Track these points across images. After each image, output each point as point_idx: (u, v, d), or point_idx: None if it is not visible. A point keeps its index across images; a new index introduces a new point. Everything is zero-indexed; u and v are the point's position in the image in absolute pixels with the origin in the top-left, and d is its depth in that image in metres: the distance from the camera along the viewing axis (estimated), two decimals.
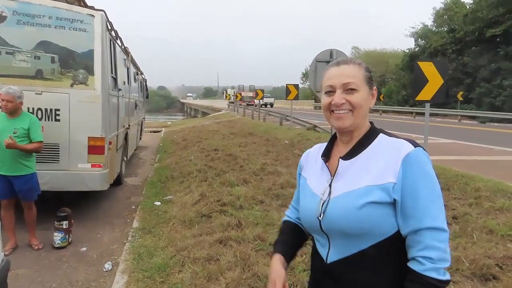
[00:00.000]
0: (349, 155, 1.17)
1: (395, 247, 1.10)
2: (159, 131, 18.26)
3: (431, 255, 1.03)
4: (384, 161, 1.10)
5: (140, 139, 12.08)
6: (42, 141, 4.02)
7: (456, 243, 3.39)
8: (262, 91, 20.75)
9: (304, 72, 59.65)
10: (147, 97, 13.83)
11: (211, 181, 6.28)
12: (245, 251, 3.35)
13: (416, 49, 33.95)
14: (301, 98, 43.24)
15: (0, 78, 4.55)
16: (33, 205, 4.13)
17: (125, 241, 4.36)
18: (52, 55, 4.69)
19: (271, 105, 39.66)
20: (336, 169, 1.18)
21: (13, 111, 3.90)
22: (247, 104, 31.26)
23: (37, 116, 4.56)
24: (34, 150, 3.98)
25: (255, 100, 26.97)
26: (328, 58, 6.65)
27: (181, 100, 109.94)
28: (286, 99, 15.74)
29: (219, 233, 3.93)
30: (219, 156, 8.53)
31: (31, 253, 4.06)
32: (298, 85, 15.83)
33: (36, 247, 4.14)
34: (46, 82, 4.69)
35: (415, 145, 1.10)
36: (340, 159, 1.18)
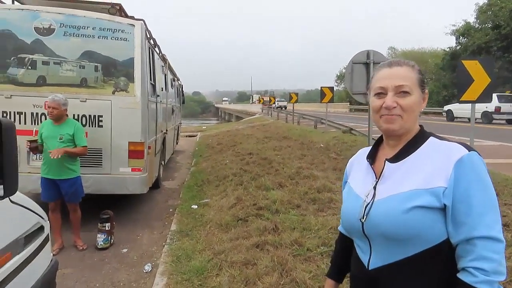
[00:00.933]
0: (396, 158, 1.12)
1: (443, 256, 1.03)
2: (194, 136, 18.63)
3: (484, 267, 0.95)
4: (434, 165, 1.03)
5: (177, 143, 12.37)
6: (86, 146, 4.22)
7: (508, 253, 3.16)
8: (296, 94, 20.65)
9: (339, 74, 58.66)
10: (183, 102, 14.17)
11: (247, 185, 6.30)
12: (282, 256, 3.31)
13: (458, 47, 32.41)
14: (336, 100, 42.53)
15: (48, 87, 4.82)
16: (78, 207, 4.33)
17: (163, 244, 4.45)
18: (96, 64, 4.92)
19: (285, 107, 39.77)
20: (382, 172, 1.13)
21: (59, 117, 4.13)
22: (268, 107, 34.08)
23: (81, 122, 4.79)
24: (80, 154, 4.20)
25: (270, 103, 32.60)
26: (365, 60, 6.47)
27: (216, 105, 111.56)
28: (320, 102, 15.53)
29: (255, 237, 3.91)
30: (254, 160, 8.55)
31: (76, 254, 4.24)
32: (333, 87, 15.60)
33: (81, 248, 4.33)
34: (90, 90, 4.92)
35: (469, 148, 1.03)
36: (386, 161, 1.13)
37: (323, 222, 4.19)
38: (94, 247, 4.37)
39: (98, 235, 4.37)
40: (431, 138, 1.12)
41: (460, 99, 5.48)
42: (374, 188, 1.12)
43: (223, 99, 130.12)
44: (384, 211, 1.06)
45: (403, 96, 1.09)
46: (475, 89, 5.31)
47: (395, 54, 48.74)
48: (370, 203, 1.10)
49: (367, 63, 6.47)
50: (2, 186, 1.31)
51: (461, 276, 0.99)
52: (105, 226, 4.38)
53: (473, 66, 5.32)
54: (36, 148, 4.04)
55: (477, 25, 31.55)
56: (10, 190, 1.32)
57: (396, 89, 1.10)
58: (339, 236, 1.39)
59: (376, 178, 1.14)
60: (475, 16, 31.79)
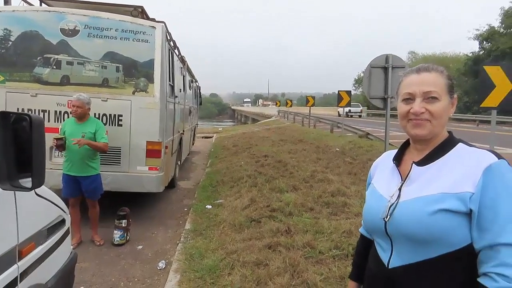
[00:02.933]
0: (424, 161, 1.14)
1: (464, 261, 1.04)
2: (210, 137, 18.80)
3: (507, 273, 0.96)
4: (463, 170, 1.05)
5: (193, 144, 12.52)
6: (107, 143, 4.35)
7: None
8: (313, 98, 20.61)
9: (357, 78, 58.13)
10: (201, 103, 14.33)
11: (261, 186, 6.34)
12: (294, 258, 3.33)
13: (481, 52, 31.68)
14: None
15: (71, 86, 4.99)
16: (97, 203, 4.46)
17: (177, 242, 4.53)
18: (117, 64, 5.06)
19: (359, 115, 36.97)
20: (408, 174, 1.15)
21: (82, 116, 4.27)
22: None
23: (102, 121, 4.93)
24: (101, 149, 4.33)
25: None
26: (384, 64, 6.42)
27: (232, 107, 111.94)
28: (337, 106, 15.45)
29: (268, 238, 3.95)
30: (269, 162, 8.58)
31: (93, 248, 4.37)
32: (350, 91, 15.50)
33: (98, 243, 4.45)
34: (111, 90, 5.06)
35: (499, 157, 1.04)
36: (413, 164, 1.15)
37: (336, 225, 4.19)
38: (111, 243, 4.48)
39: (115, 232, 4.48)
40: (460, 144, 1.13)
41: (481, 105, 5.39)
42: (400, 189, 1.14)
43: (245, 100, 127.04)
44: (409, 212, 1.08)
45: (432, 102, 1.10)
46: (496, 95, 5.21)
47: (415, 58, 47.99)
48: (395, 203, 1.12)
49: (385, 67, 6.42)
50: (30, 179, 1.39)
51: (482, 280, 0.99)
52: (121, 223, 4.49)
53: (495, 72, 5.23)
54: (62, 145, 4.16)
55: (502, 30, 30.77)
56: (37, 183, 1.40)
57: (424, 95, 1.11)
58: (360, 237, 1.41)
59: (401, 180, 1.16)
60: (500, 20, 31.02)
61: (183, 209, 6.01)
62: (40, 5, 5.34)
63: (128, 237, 4.58)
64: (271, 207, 5.05)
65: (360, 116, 34.90)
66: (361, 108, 36.49)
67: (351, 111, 34.06)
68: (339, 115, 29.53)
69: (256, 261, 3.45)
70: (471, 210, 1.01)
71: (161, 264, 3.97)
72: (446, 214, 1.02)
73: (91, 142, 4.20)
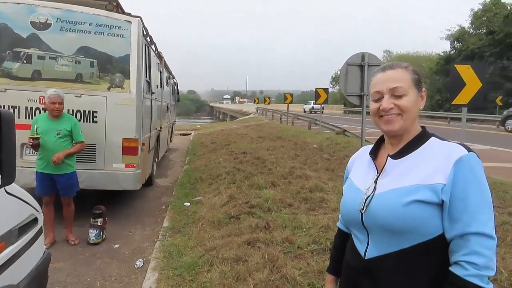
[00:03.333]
0: (398, 154, 1.17)
1: (437, 250, 1.08)
2: (188, 134, 18.62)
3: (476, 261, 1.00)
4: (435, 163, 1.09)
5: (171, 141, 12.36)
6: (83, 141, 4.28)
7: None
8: (291, 95, 20.76)
9: (334, 76, 58.94)
10: (178, 100, 14.16)
11: (240, 183, 6.34)
12: (273, 253, 3.36)
13: (452, 52, 32.78)
14: (330, 102, 42.70)
15: (43, 82, 4.82)
16: (72, 202, 4.34)
17: (155, 240, 4.48)
18: (91, 59, 4.92)
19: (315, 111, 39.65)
20: (384, 167, 1.18)
21: (61, 113, 4.15)
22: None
23: (76, 117, 4.79)
24: (79, 151, 4.26)
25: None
26: (360, 62, 6.53)
27: (210, 104, 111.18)
28: (315, 103, 15.61)
29: (247, 235, 3.96)
30: (248, 159, 8.60)
31: (68, 248, 4.25)
32: (328, 89, 15.70)
33: (73, 243, 4.34)
34: (85, 86, 4.93)
35: (469, 149, 1.09)
36: (388, 157, 1.19)
37: (314, 221, 4.25)
38: (86, 242, 4.37)
39: (90, 230, 4.38)
40: (433, 138, 1.17)
41: (452, 103, 5.58)
42: (375, 182, 1.17)
43: (224, 96, 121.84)
44: (384, 204, 1.12)
45: (399, 97, 1.14)
46: (466, 93, 5.41)
47: (390, 57, 49.10)
48: (371, 195, 1.16)
49: (361, 65, 6.54)
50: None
51: (453, 269, 1.04)
52: (97, 222, 4.39)
53: (465, 71, 5.43)
54: (37, 145, 4.00)
55: (471, 30, 31.93)
56: (7, 180, 1.35)
57: (391, 91, 1.15)
58: (337, 232, 1.44)
59: (377, 172, 1.20)
60: (470, 21, 32.17)
61: (161, 207, 5.94)
62: None
63: (104, 236, 4.48)
64: (250, 203, 5.06)
65: (322, 113, 37.33)
66: (322, 105, 39.98)
67: (314, 108, 37.17)
68: (304, 111, 31.55)
69: (235, 258, 3.45)
70: (443, 201, 1.05)
71: (139, 263, 3.91)
72: (419, 205, 1.06)
73: (68, 152, 4.12)
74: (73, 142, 4.23)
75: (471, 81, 5.37)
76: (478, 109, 20.60)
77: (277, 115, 23.85)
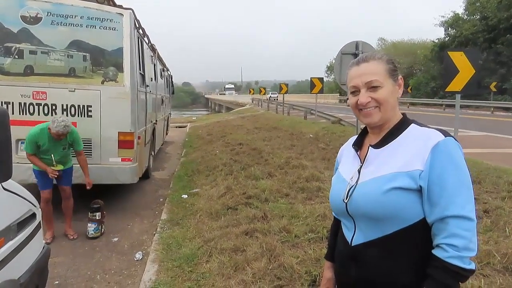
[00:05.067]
0: (379, 144, 1.20)
1: (420, 235, 1.11)
2: (184, 126, 18.58)
3: (456, 243, 1.03)
4: (413, 150, 1.11)
5: (167, 134, 12.34)
6: (82, 149, 4.38)
7: (487, 237, 3.30)
8: (286, 85, 20.73)
9: (329, 65, 58.72)
10: (173, 93, 14.09)
11: (237, 174, 6.37)
12: (271, 243, 3.40)
13: (446, 38, 32.69)
14: (326, 91, 42.63)
15: (36, 77, 4.79)
16: (71, 196, 4.36)
17: (154, 232, 4.51)
18: (84, 53, 4.88)
19: (276, 99, 39.84)
20: (366, 156, 1.21)
21: None
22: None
23: (70, 112, 4.79)
24: (86, 160, 4.43)
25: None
26: (354, 50, 6.54)
27: (206, 96, 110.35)
28: (310, 93, 15.61)
29: (245, 225, 4.00)
30: (244, 150, 8.61)
31: (67, 243, 4.27)
32: (322, 78, 15.67)
33: (72, 237, 4.36)
34: (79, 80, 4.89)
35: (446, 134, 1.11)
36: (370, 147, 1.22)
37: (311, 210, 4.29)
38: (85, 236, 4.40)
39: (89, 225, 4.40)
40: (412, 125, 1.19)
41: (446, 90, 5.61)
42: (359, 171, 1.20)
43: (226, 86, 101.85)
44: (365, 192, 1.15)
45: (375, 90, 1.16)
46: (460, 80, 5.43)
47: (385, 45, 48.90)
48: (354, 185, 1.19)
49: (356, 54, 6.54)
50: None
51: (435, 251, 1.07)
52: (95, 216, 4.41)
53: (458, 58, 5.44)
54: (60, 175, 4.23)
55: (465, 17, 31.83)
56: (4, 176, 1.36)
57: (367, 85, 1.17)
58: (333, 220, 1.48)
59: (361, 162, 1.22)
60: (464, 7, 32.05)
61: (159, 200, 5.96)
62: None
63: (103, 230, 4.51)
64: (247, 194, 5.09)
65: (276, 99, 37.29)
66: (277, 94, 41.91)
67: (272, 96, 40.94)
68: (267, 99, 32.78)
69: (234, 248, 3.49)
70: (421, 187, 1.08)
71: (138, 255, 3.95)
72: (398, 191, 1.09)
73: (86, 173, 4.38)
74: (76, 151, 4.34)
75: (464, 67, 5.39)
76: (473, 95, 20.66)
77: (273, 105, 23.81)
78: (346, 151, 1.37)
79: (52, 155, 4.12)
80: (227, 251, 3.46)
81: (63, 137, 4.11)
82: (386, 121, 1.19)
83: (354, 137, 1.36)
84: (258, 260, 3.16)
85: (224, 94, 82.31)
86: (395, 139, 1.17)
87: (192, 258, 3.49)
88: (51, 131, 3.98)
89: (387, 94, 1.17)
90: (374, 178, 1.15)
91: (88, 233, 4.39)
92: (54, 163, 4.15)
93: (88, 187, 4.38)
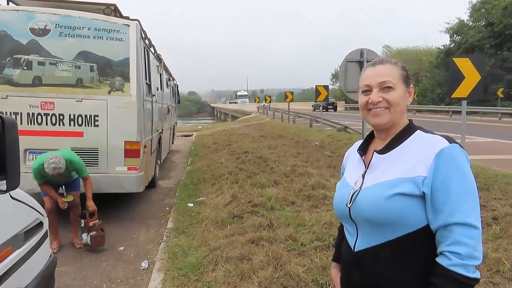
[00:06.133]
0: (384, 150, 1.20)
1: (423, 241, 1.10)
2: (190, 135, 18.65)
3: (459, 251, 1.02)
4: (417, 156, 1.11)
5: (173, 143, 12.40)
6: (88, 175, 4.41)
7: (497, 244, 3.25)
8: (292, 93, 20.77)
9: (334, 73, 58.83)
10: (179, 102, 14.19)
11: (242, 183, 6.36)
12: (277, 251, 3.37)
13: (452, 45, 32.68)
14: None
15: (44, 87, 4.86)
16: (79, 204, 4.38)
17: (160, 241, 4.51)
18: (91, 64, 4.96)
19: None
20: (370, 162, 1.21)
21: None
22: None
23: (77, 122, 4.85)
24: (92, 184, 4.43)
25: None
26: (359, 58, 6.55)
27: (211, 105, 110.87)
28: (315, 101, 15.62)
29: (251, 233, 3.98)
30: (250, 159, 8.61)
31: (73, 252, 4.29)
32: (328, 86, 15.69)
33: (78, 246, 4.37)
34: (86, 90, 4.96)
35: (451, 141, 1.10)
36: (374, 152, 1.22)
37: (317, 218, 4.27)
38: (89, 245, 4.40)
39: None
40: (418, 132, 1.19)
41: (452, 96, 5.58)
42: (363, 177, 1.20)
43: (239, 93, 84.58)
44: (368, 197, 1.15)
45: (387, 91, 1.17)
46: (466, 86, 5.41)
47: (390, 52, 48.98)
48: (358, 190, 1.19)
49: (360, 61, 6.55)
50: (4, 181, 1.37)
51: (439, 259, 1.06)
52: (81, 223, 4.41)
53: (464, 64, 5.42)
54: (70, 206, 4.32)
55: (470, 23, 31.81)
56: (12, 185, 1.38)
57: (380, 85, 1.18)
58: (340, 224, 1.48)
59: (365, 167, 1.22)
60: (469, 14, 32.05)
61: (165, 208, 5.97)
62: (7, 3, 5.15)
63: (89, 239, 4.38)
64: (252, 202, 5.08)
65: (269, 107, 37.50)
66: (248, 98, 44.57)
67: (265, 105, 39.39)
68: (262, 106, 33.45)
69: (240, 256, 3.47)
70: (424, 193, 1.07)
71: (144, 264, 3.95)
72: (401, 197, 1.08)
73: (90, 196, 4.36)
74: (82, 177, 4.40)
75: (470, 74, 5.37)
76: (479, 101, 20.54)
77: (278, 114, 23.84)
78: (351, 155, 1.37)
79: (62, 186, 4.27)
80: (233, 260, 3.44)
81: (60, 176, 4.08)
82: (393, 124, 1.19)
83: (359, 142, 1.36)
84: (264, 268, 3.14)
85: (235, 102, 72.90)
86: (400, 145, 1.17)
87: (198, 266, 3.48)
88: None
89: (398, 97, 1.18)
90: (378, 184, 1.14)
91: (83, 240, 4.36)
92: (64, 193, 4.25)
93: (88, 208, 4.33)
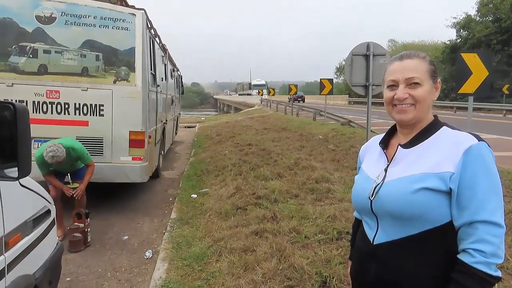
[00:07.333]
0: (409, 144, 1.19)
1: (445, 238, 1.10)
2: (193, 127, 18.65)
3: (484, 249, 1.01)
4: (445, 152, 1.10)
5: (176, 134, 12.40)
6: (92, 160, 4.39)
7: (509, 241, 3.25)
8: (296, 86, 20.71)
9: (338, 66, 58.50)
10: (183, 93, 14.15)
11: (246, 175, 6.37)
12: (280, 243, 3.39)
13: (458, 40, 32.36)
14: (335, 92, 42.46)
15: (49, 76, 4.86)
16: (84, 194, 4.40)
17: (164, 231, 4.54)
18: (97, 53, 4.94)
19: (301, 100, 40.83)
20: (394, 156, 1.20)
21: None
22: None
23: (82, 111, 4.85)
24: (92, 172, 4.39)
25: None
26: (365, 51, 6.48)
27: (214, 96, 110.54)
28: (319, 94, 15.55)
29: (254, 225, 4.00)
30: (253, 151, 8.62)
31: None
32: (332, 79, 15.60)
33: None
34: (91, 79, 4.95)
35: (479, 139, 1.09)
36: (399, 146, 1.21)
37: (320, 211, 4.28)
38: (95, 234, 4.42)
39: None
40: (444, 128, 1.18)
41: (459, 92, 5.54)
42: (385, 170, 1.19)
43: (254, 83, 69.42)
44: (392, 191, 1.13)
45: (414, 87, 1.15)
46: (473, 82, 5.36)
47: (396, 46, 48.62)
48: (380, 183, 1.18)
49: (367, 55, 6.49)
50: (16, 169, 1.37)
51: (461, 256, 1.05)
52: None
53: (471, 59, 5.37)
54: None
55: (477, 18, 31.44)
56: (23, 172, 1.38)
57: (407, 81, 1.16)
58: (354, 220, 1.47)
59: (388, 161, 1.21)
60: (476, 8, 31.66)
61: (168, 199, 5.99)
62: None
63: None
64: (256, 194, 5.09)
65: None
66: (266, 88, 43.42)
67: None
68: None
69: (243, 248, 3.49)
70: (451, 189, 1.07)
71: (148, 254, 3.97)
72: (427, 192, 1.08)
73: (84, 184, 4.29)
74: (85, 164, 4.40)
75: (477, 69, 5.32)
76: (485, 98, 20.39)
77: (282, 106, 23.78)
78: (370, 149, 1.36)
79: (68, 175, 4.26)
80: (237, 251, 3.46)
81: (60, 164, 4.02)
82: (419, 120, 1.18)
83: (378, 136, 1.35)
84: (268, 260, 3.16)
85: (249, 94, 62.07)
86: (425, 140, 1.16)
87: (202, 257, 3.51)
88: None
89: (425, 93, 1.16)
90: (403, 177, 1.13)
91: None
92: (70, 181, 4.26)
93: (75, 195, 4.22)
